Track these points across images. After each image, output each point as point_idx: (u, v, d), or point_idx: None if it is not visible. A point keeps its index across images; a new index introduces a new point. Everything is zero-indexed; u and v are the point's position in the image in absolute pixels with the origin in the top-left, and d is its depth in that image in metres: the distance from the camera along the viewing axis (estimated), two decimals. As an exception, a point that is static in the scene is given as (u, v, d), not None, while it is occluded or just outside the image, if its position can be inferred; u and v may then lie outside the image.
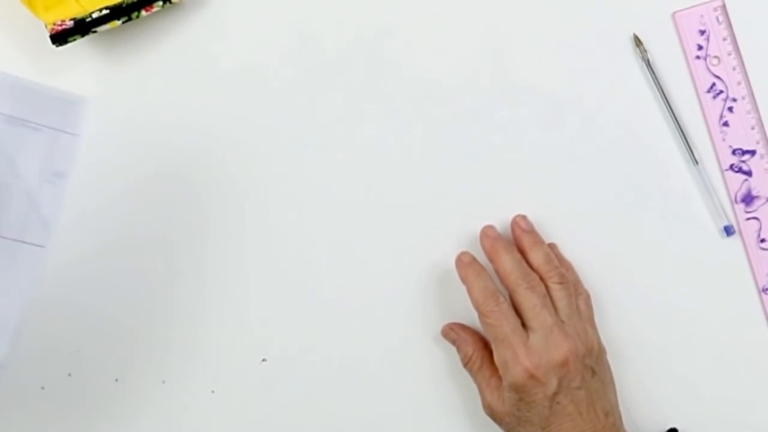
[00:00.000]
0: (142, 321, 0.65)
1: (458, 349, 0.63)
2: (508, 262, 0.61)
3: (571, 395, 0.58)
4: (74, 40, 0.62)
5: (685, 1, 0.65)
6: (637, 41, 0.65)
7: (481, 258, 0.63)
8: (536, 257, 0.62)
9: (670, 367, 0.65)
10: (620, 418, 0.61)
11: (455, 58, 0.65)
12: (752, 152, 0.65)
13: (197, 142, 0.65)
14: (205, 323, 0.65)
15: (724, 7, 0.65)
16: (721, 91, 0.65)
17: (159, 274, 0.65)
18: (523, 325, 0.59)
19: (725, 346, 0.65)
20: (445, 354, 0.65)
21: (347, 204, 0.65)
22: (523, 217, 0.64)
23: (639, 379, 0.65)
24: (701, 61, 0.65)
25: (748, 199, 0.65)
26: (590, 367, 0.59)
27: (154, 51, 0.66)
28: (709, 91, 0.65)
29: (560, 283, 0.61)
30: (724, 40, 0.65)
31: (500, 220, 0.65)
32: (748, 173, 0.65)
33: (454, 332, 0.64)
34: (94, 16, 0.62)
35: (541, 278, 0.61)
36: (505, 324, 0.59)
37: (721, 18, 0.65)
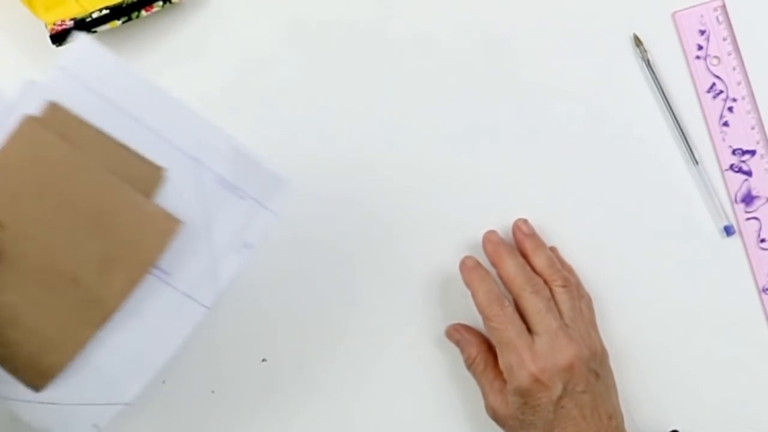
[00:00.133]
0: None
1: (462, 351, 0.63)
2: (512, 266, 0.61)
3: (576, 399, 0.58)
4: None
5: (685, 1, 0.65)
6: (637, 41, 0.65)
7: (485, 263, 0.63)
8: (539, 261, 0.62)
9: (669, 367, 0.65)
10: (623, 420, 0.61)
11: (452, 59, 0.65)
12: (752, 152, 0.65)
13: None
14: (206, 323, 0.65)
15: (724, 7, 0.65)
16: (721, 91, 0.65)
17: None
18: (528, 329, 0.59)
19: (725, 346, 0.65)
20: (448, 355, 0.65)
21: (347, 208, 0.65)
22: (525, 221, 0.64)
23: (638, 379, 0.65)
24: (701, 61, 0.65)
25: (748, 199, 0.65)
26: (594, 370, 0.59)
27: (154, 51, 0.66)
28: (709, 91, 0.65)
29: (564, 287, 0.61)
30: (724, 40, 0.65)
31: (501, 223, 0.64)
32: (748, 173, 0.65)
33: (458, 333, 0.64)
34: (94, 16, 0.62)
35: (545, 282, 0.61)
36: (510, 328, 0.59)
37: (721, 18, 0.65)
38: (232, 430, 0.65)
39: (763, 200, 0.65)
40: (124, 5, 0.62)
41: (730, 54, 0.65)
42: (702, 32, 0.65)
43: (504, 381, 0.59)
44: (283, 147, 0.65)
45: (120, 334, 0.54)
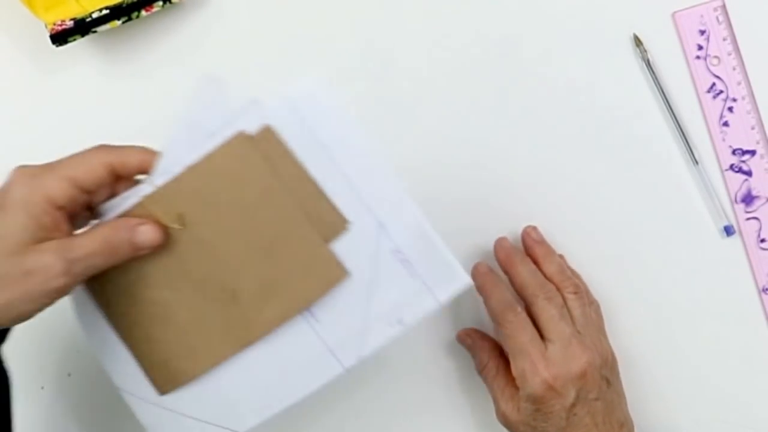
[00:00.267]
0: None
1: (473, 356, 0.63)
2: (524, 273, 0.61)
3: (588, 406, 0.58)
4: (74, 40, 0.62)
5: (685, 1, 0.65)
6: (637, 41, 0.65)
7: (496, 269, 0.63)
8: (550, 267, 0.62)
9: (669, 367, 0.65)
10: (633, 428, 0.61)
11: (453, 60, 0.65)
12: (752, 152, 0.65)
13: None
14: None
15: (724, 7, 0.65)
16: (721, 91, 0.65)
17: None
18: (540, 335, 0.59)
19: (725, 346, 0.65)
20: (458, 360, 0.65)
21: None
22: (534, 228, 0.64)
23: (638, 378, 0.65)
24: (701, 61, 0.65)
25: (748, 199, 0.65)
26: (606, 377, 0.59)
27: (154, 51, 0.66)
28: (709, 91, 0.65)
29: (575, 293, 0.61)
30: (724, 40, 0.65)
31: (505, 228, 0.65)
32: (748, 173, 0.65)
33: (470, 338, 0.64)
34: (94, 16, 0.62)
35: (556, 288, 0.60)
36: (522, 335, 0.58)
37: (721, 18, 0.65)
38: None
39: (763, 200, 0.65)
40: (124, 5, 0.62)
41: (730, 54, 0.65)
42: (702, 32, 0.65)
43: (515, 387, 0.59)
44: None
45: (255, 363, 0.55)
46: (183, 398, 0.56)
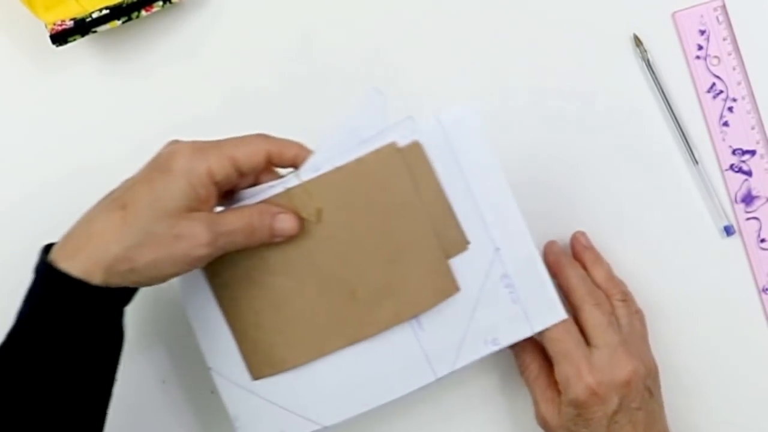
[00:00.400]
0: (142, 320, 0.65)
1: (516, 357, 0.63)
2: (574, 277, 0.60)
3: (630, 415, 0.58)
4: (74, 40, 0.62)
5: (685, 1, 0.65)
6: (637, 41, 0.65)
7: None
8: (599, 274, 0.62)
9: (669, 367, 0.65)
10: None
11: (452, 58, 0.65)
12: (752, 152, 0.65)
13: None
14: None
15: (724, 7, 0.65)
16: (721, 91, 0.65)
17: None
18: (586, 341, 0.58)
19: (725, 346, 0.65)
20: (500, 360, 0.65)
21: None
22: (583, 233, 0.64)
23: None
24: (701, 61, 0.65)
25: (748, 199, 0.65)
26: (649, 388, 0.59)
27: (154, 51, 0.66)
28: (709, 91, 0.65)
29: (623, 301, 0.61)
30: (724, 40, 0.65)
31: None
32: (748, 173, 0.65)
33: None
34: (94, 16, 0.62)
35: (605, 295, 0.60)
36: (568, 339, 0.58)
37: (721, 18, 0.65)
38: (232, 430, 0.65)
39: (763, 200, 0.65)
40: (124, 5, 0.62)
41: (730, 54, 0.65)
42: (702, 32, 0.65)
43: (556, 391, 0.59)
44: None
45: (353, 360, 0.58)
46: (274, 385, 0.58)
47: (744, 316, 0.65)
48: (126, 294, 0.52)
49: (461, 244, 0.57)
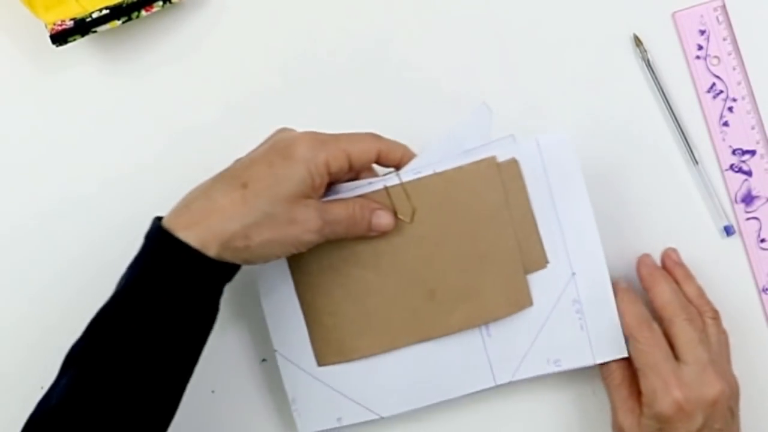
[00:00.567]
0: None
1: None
2: (667, 292, 0.60)
3: None
4: (74, 40, 0.62)
5: (685, 1, 0.65)
6: (637, 41, 0.65)
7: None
8: (691, 290, 0.62)
9: (670, 367, 0.65)
10: None
11: (454, 58, 0.65)
12: (752, 152, 0.65)
13: (197, 142, 0.65)
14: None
15: (724, 7, 0.65)
16: (721, 91, 0.65)
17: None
18: (675, 356, 0.58)
19: (725, 346, 0.65)
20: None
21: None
22: (674, 250, 0.64)
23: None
24: (701, 61, 0.65)
25: (748, 199, 0.65)
26: (731, 409, 0.59)
27: (154, 51, 0.66)
28: (709, 91, 0.65)
29: (714, 319, 0.61)
30: (724, 40, 0.65)
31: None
32: (748, 173, 0.65)
33: None
34: (94, 16, 0.62)
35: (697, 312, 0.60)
36: (657, 352, 0.58)
37: (721, 18, 0.65)
38: (232, 430, 0.65)
39: (763, 200, 0.65)
40: (124, 5, 0.62)
41: (730, 54, 0.65)
42: (702, 32, 0.65)
43: (638, 401, 0.59)
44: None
45: (420, 357, 0.60)
46: (337, 373, 0.61)
47: (744, 316, 0.65)
48: (231, 272, 0.53)
49: (541, 262, 0.60)
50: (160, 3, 0.63)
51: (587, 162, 0.65)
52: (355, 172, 0.58)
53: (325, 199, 0.56)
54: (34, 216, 0.66)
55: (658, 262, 0.65)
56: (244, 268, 0.55)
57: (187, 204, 0.53)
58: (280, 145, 0.54)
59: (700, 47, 0.65)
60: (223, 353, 0.65)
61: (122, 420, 0.50)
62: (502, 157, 0.59)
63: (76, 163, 0.66)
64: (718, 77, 0.65)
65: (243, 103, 0.66)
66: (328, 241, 0.56)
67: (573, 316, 0.61)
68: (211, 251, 0.51)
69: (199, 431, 0.66)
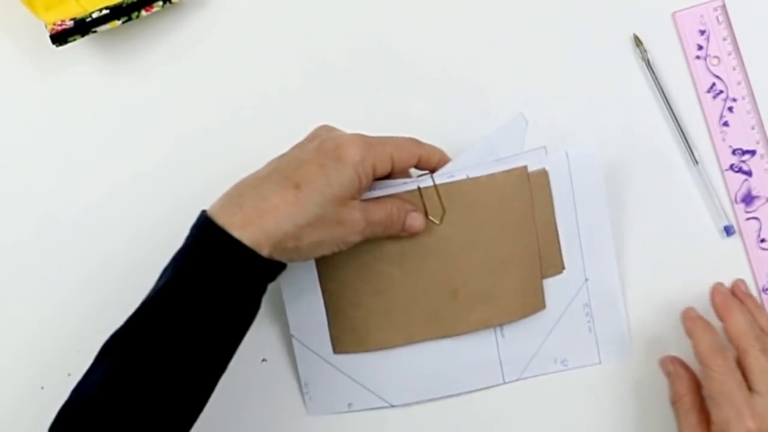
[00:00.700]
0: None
1: (671, 384, 0.62)
2: (742, 321, 0.60)
3: None
4: (74, 40, 0.62)
5: (685, 1, 0.65)
6: (637, 41, 0.65)
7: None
8: (763, 321, 0.62)
9: (670, 367, 0.65)
10: None
11: (452, 58, 0.65)
12: (752, 152, 0.65)
13: (197, 142, 0.65)
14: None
15: (724, 7, 0.65)
16: (721, 91, 0.65)
17: (158, 274, 0.65)
18: (748, 386, 0.58)
19: (725, 346, 0.65)
20: (652, 384, 0.64)
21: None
22: (743, 281, 0.64)
23: (637, 377, 0.65)
24: (701, 61, 0.65)
25: (748, 199, 0.65)
26: None
27: (154, 51, 0.66)
28: (709, 91, 0.65)
29: None
30: (724, 40, 0.65)
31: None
32: (748, 173, 0.65)
33: (672, 366, 0.62)
34: (94, 16, 0.62)
35: None
36: (731, 380, 0.57)
37: (721, 18, 0.65)
38: (233, 430, 0.65)
39: (763, 200, 0.65)
40: (124, 5, 0.62)
41: (730, 54, 0.65)
42: (702, 32, 0.65)
43: (707, 429, 0.58)
44: (285, 145, 0.65)
45: (435, 351, 0.62)
46: (352, 360, 0.63)
47: (744, 316, 0.65)
48: (278, 271, 0.54)
49: (558, 267, 0.63)
50: (160, 3, 0.63)
51: (587, 162, 0.65)
52: (393, 174, 0.59)
53: (362, 197, 0.57)
54: (34, 216, 0.66)
55: (658, 261, 0.65)
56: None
57: (239, 202, 0.53)
58: (329, 146, 0.54)
59: (700, 47, 0.65)
60: (223, 353, 0.65)
61: (157, 412, 0.51)
62: (532, 167, 0.61)
63: (76, 163, 0.66)
64: (718, 77, 0.65)
65: (243, 103, 0.66)
66: None
67: (582, 319, 0.64)
68: (264, 251, 0.52)
69: (198, 431, 0.66)
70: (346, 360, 0.63)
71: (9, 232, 0.66)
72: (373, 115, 0.65)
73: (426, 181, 0.59)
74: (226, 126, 0.66)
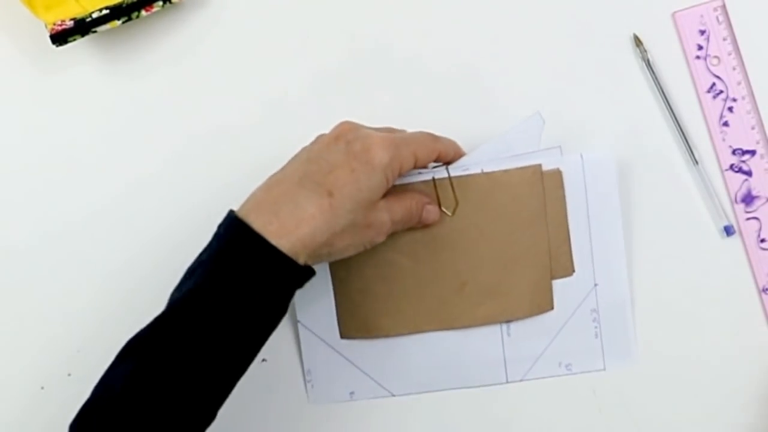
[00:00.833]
0: (142, 320, 0.65)
1: None
2: None
3: None
4: (74, 40, 0.62)
5: (685, 1, 0.65)
6: (637, 41, 0.65)
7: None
8: None
9: (669, 367, 0.65)
10: None
11: (454, 57, 0.65)
12: (752, 152, 0.65)
13: (197, 142, 0.65)
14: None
15: (724, 7, 0.65)
16: (721, 91, 0.65)
17: (158, 274, 0.65)
18: None
19: (725, 346, 0.65)
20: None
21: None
22: None
23: (638, 377, 0.65)
24: (701, 61, 0.65)
25: (748, 199, 0.65)
26: None
27: (154, 51, 0.66)
28: (709, 91, 0.65)
29: None
30: (724, 40, 0.65)
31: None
32: (748, 173, 0.65)
33: None
34: (94, 16, 0.62)
35: None
36: None
37: (721, 18, 0.65)
38: (232, 430, 0.65)
39: (763, 200, 0.65)
40: (124, 5, 0.62)
41: (730, 54, 0.65)
42: (702, 32, 0.65)
43: None
44: (283, 148, 0.65)
45: (439, 344, 0.63)
46: (357, 348, 0.64)
47: (744, 316, 0.65)
48: (309, 277, 0.55)
49: (568, 270, 0.63)
50: (160, 3, 0.63)
51: (587, 162, 0.65)
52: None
53: None
54: (34, 216, 0.66)
55: (657, 262, 0.65)
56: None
57: (274, 210, 0.53)
58: (358, 148, 0.54)
59: (700, 47, 0.65)
60: (223, 353, 0.65)
61: (178, 411, 0.51)
62: (547, 166, 0.62)
63: (76, 162, 0.66)
64: (718, 77, 0.65)
65: (244, 103, 0.66)
66: None
67: (590, 324, 0.64)
68: (301, 259, 0.53)
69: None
70: (350, 347, 0.63)
71: (9, 232, 0.66)
72: (374, 115, 0.65)
73: (441, 173, 0.60)
74: (227, 126, 0.66)
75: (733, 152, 0.65)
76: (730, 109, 0.65)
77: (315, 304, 0.63)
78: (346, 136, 0.56)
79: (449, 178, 0.60)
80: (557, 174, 0.62)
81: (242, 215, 0.53)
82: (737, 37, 0.64)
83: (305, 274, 0.54)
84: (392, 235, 0.59)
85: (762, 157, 0.65)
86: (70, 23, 0.62)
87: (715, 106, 0.65)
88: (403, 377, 0.64)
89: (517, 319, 0.63)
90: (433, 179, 0.60)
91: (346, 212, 0.53)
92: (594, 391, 0.65)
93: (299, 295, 0.61)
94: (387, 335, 0.63)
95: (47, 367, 0.65)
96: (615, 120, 0.65)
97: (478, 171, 0.61)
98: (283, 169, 0.56)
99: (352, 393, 0.64)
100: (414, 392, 0.64)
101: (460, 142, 0.62)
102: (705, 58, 0.65)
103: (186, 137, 0.66)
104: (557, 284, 0.63)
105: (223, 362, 0.53)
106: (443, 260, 0.61)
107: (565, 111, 0.65)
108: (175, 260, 0.65)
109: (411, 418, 0.65)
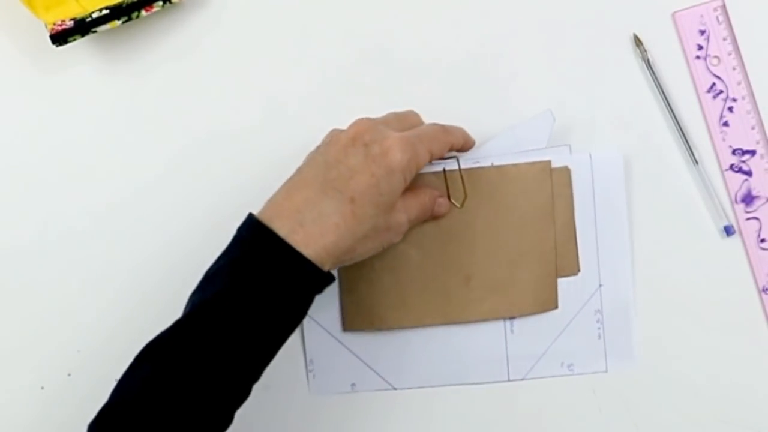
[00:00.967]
0: (142, 320, 0.65)
1: None
2: None
3: None
4: (74, 40, 0.62)
5: (685, 1, 0.65)
6: (637, 41, 0.65)
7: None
8: None
9: (669, 367, 0.65)
10: None
11: (452, 57, 0.65)
12: (752, 152, 0.65)
13: (197, 142, 0.65)
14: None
15: (724, 7, 0.65)
16: (721, 91, 0.65)
17: (158, 274, 0.65)
18: None
19: (725, 346, 0.65)
20: None
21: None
22: None
23: (638, 377, 0.65)
24: (701, 61, 0.65)
25: (748, 199, 0.65)
26: None
27: (154, 51, 0.66)
28: (709, 91, 0.65)
29: None
30: (724, 40, 0.65)
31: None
32: (748, 173, 0.65)
33: None
34: (94, 16, 0.62)
35: None
36: None
37: (721, 18, 0.65)
38: (232, 430, 0.65)
39: (763, 200, 0.65)
40: (124, 5, 0.62)
41: (730, 54, 0.65)
42: (702, 32, 0.65)
43: None
44: (282, 148, 0.65)
45: (442, 338, 0.63)
46: (361, 340, 0.64)
47: (744, 316, 0.65)
48: (329, 283, 0.55)
49: (573, 269, 0.64)
50: (160, 3, 0.63)
51: (587, 162, 0.65)
52: None
53: None
54: (33, 217, 0.66)
55: (656, 261, 0.65)
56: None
57: (299, 219, 0.53)
58: (376, 151, 0.55)
59: (700, 47, 0.65)
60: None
61: (196, 415, 0.51)
62: (555, 164, 0.62)
63: (75, 163, 0.66)
64: (718, 77, 0.65)
65: (244, 103, 0.66)
66: None
67: (593, 325, 0.64)
68: (326, 266, 0.54)
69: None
70: (354, 338, 0.64)
71: (8, 232, 0.65)
72: (380, 112, 0.65)
73: (451, 164, 0.61)
74: (227, 126, 0.66)
75: (733, 152, 0.65)
76: (730, 109, 0.65)
77: (320, 294, 0.63)
78: (363, 137, 0.55)
79: (459, 170, 0.60)
80: (566, 171, 0.63)
81: (266, 221, 0.53)
82: (737, 37, 0.64)
83: (327, 280, 0.54)
84: None
85: (762, 157, 0.65)
86: (70, 23, 0.62)
87: (715, 106, 0.65)
88: (405, 371, 0.64)
89: (521, 315, 0.63)
90: (444, 171, 0.61)
91: (368, 218, 0.54)
92: (594, 391, 0.65)
93: None
94: (390, 328, 0.63)
95: (47, 367, 0.65)
96: (614, 120, 0.65)
97: (488, 164, 0.61)
98: (300, 172, 0.56)
99: (353, 385, 0.64)
100: (416, 386, 0.64)
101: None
102: (705, 58, 0.65)
103: (186, 137, 0.66)
104: (562, 283, 0.63)
105: (241, 366, 0.53)
106: (450, 252, 0.62)
107: (565, 110, 0.65)
108: (174, 260, 0.65)
109: (411, 412, 0.65)
